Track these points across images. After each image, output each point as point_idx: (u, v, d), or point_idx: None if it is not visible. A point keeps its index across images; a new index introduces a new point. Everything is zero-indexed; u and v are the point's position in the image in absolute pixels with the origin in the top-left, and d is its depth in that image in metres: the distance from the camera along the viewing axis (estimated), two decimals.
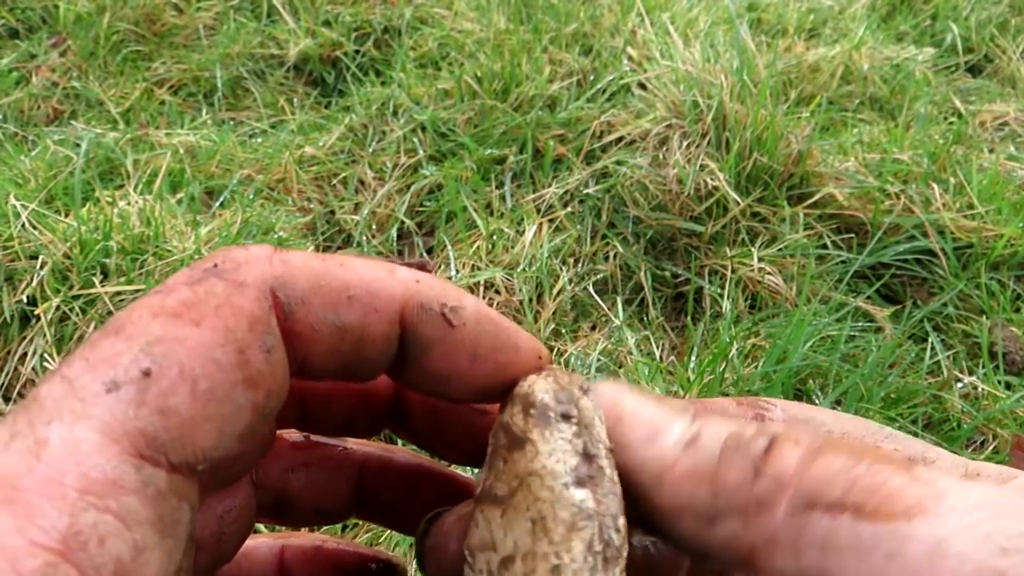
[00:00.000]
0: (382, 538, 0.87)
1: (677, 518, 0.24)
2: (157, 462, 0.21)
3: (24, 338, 1.04)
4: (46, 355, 1.02)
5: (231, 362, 0.22)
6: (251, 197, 1.33)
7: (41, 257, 1.07)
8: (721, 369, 1.03)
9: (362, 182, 1.40)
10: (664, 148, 1.31)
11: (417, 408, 0.31)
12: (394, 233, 1.31)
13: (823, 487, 0.21)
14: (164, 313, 0.22)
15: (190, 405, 0.21)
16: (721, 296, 1.17)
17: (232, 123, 1.56)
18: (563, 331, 1.14)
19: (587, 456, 0.26)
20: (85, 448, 0.20)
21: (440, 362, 0.26)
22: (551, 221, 1.27)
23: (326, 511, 0.30)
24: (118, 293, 1.06)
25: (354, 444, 0.31)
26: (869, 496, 0.21)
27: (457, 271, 1.20)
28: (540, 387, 0.28)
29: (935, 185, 1.29)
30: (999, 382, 1.08)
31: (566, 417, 0.27)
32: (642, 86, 1.45)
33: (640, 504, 0.25)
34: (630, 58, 1.55)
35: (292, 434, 0.30)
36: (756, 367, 1.05)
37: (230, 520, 0.27)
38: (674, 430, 0.24)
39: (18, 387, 1.02)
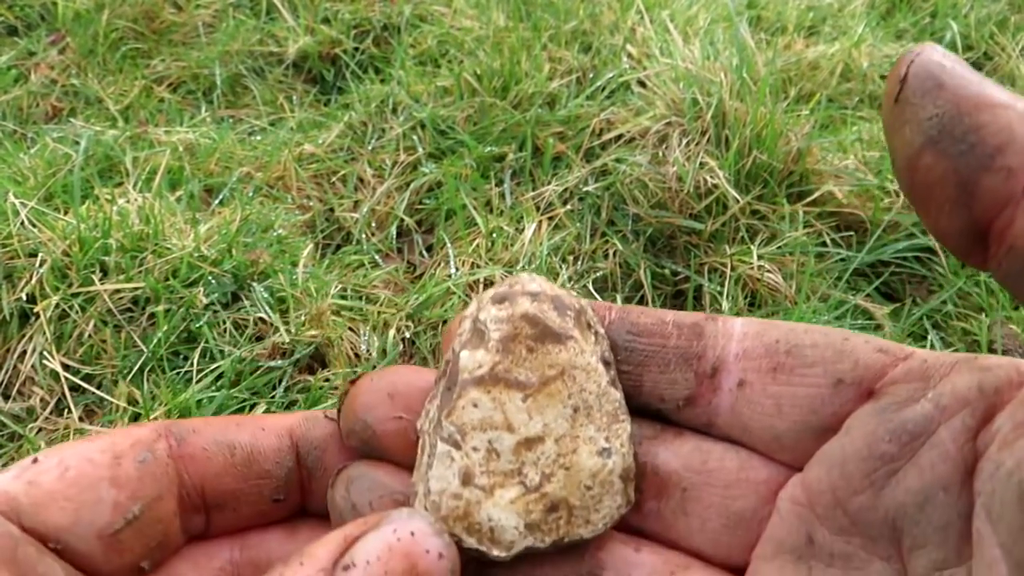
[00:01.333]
0: None
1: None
2: (10, 518, 0.25)
3: (23, 336, 1.04)
4: (45, 353, 1.02)
5: (104, 462, 0.27)
6: (250, 195, 1.33)
7: (40, 255, 1.07)
8: None
9: (361, 180, 1.40)
10: (664, 146, 1.31)
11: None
12: (393, 231, 1.31)
13: None
14: (82, 439, 0.28)
15: (53, 483, 0.26)
16: (721, 294, 1.17)
17: (231, 121, 1.56)
18: None
19: (606, 363, 0.30)
20: None
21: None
22: (551, 219, 1.27)
23: None
24: (117, 291, 1.06)
25: None
26: None
27: (456, 269, 1.20)
28: (567, 294, 0.31)
29: None
30: None
31: (591, 327, 0.30)
32: (642, 84, 1.45)
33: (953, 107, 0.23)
34: (629, 56, 1.55)
35: None
36: None
37: None
38: None
39: (17, 385, 1.02)
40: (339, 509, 0.30)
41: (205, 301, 1.07)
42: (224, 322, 1.08)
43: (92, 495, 0.26)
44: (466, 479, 0.28)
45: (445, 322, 1.12)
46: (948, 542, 0.24)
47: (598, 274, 1.22)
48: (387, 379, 0.31)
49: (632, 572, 0.28)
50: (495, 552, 0.28)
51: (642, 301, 1.20)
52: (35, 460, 0.26)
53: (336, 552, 0.24)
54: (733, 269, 1.19)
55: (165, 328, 1.03)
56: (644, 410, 0.30)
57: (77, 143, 1.36)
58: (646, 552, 0.29)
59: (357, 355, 1.07)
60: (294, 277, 1.14)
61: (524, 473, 0.28)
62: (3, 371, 1.03)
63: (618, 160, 1.32)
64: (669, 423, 0.30)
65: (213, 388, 1.00)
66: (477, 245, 1.22)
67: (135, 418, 0.97)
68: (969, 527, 0.23)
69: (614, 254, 1.24)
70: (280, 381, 1.04)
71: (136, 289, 1.06)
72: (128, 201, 1.19)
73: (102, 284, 1.05)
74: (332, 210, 1.35)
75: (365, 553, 0.24)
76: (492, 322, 0.29)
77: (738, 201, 1.23)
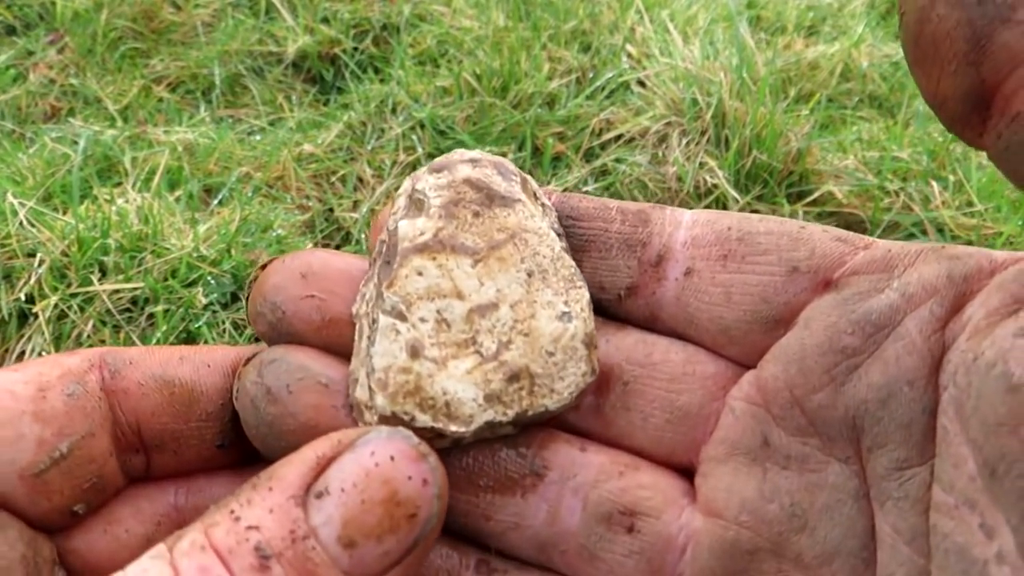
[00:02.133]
0: None
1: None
2: None
3: (22, 336, 1.04)
4: (44, 353, 1.02)
5: (27, 395, 0.24)
6: (249, 195, 1.33)
7: (39, 255, 1.07)
8: None
9: (361, 180, 1.40)
10: (663, 146, 1.31)
11: None
12: None
13: None
14: (6, 368, 0.25)
15: None
16: None
17: (230, 120, 1.56)
18: None
19: (558, 234, 0.28)
20: None
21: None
22: None
23: None
24: (116, 291, 1.05)
25: None
26: None
27: None
28: (509, 162, 0.28)
29: (934, 183, 1.29)
30: None
31: (538, 198, 0.29)
32: (641, 83, 1.45)
33: None
34: (629, 55, 1.54)
35: None
36: None
37: None
38: None
39: None
40: (249, 396, 0.26)
41: (204, 301, 1.07)
42: (223, 322, 1.07)
43: (12, 431, 0.23)
44: (414, 352, 0.25)
45: None
46: (911, 440, 0.22)
47: None
48: (301, 259, 0.27)
49: (579, 472, 0.26)
50: (452, 428, 0.25)
51: None
52: None
53: (308, 475, 0.22)
54: None
55: (164, 328, 1.03)
56: None
57: (76, 143, 1.36)
58: (592, 452, 0.27)
59: None
60: None
61: (479, 342, 0.26)
62: None
63: (618, 160, 1.32)
64: (609, 317, 0.28)
65: None
66: None
67: None
68: (933, 423, 0.22)
69: None
70: None
71: (135, 289, 1.06)
72: (127, 201, 1.19)
73: (101, 284, 1.05)
74: (331, 210, 1.35)
75: (340, 479, 0.22)
76: (431, 190, 0.27)
77: (738, 201, 1.23)
